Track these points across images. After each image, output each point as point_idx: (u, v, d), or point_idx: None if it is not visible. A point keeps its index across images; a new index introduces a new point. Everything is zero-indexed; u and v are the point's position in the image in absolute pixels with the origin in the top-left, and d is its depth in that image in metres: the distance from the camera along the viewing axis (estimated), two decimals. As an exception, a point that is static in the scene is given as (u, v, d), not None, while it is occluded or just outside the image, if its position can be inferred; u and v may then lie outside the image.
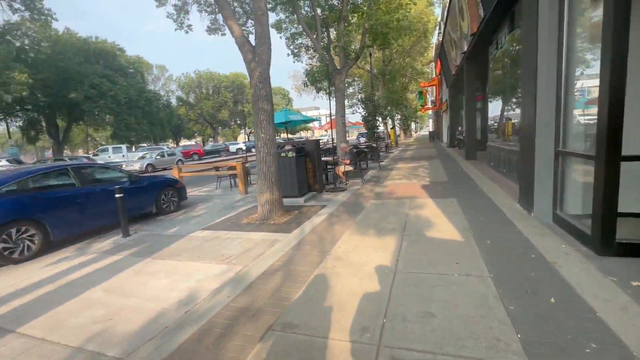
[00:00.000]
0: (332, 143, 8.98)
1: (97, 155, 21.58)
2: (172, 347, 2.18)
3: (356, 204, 6.20)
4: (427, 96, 31.62)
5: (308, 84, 12.00)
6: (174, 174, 9.31)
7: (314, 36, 10.22)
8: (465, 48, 9.87)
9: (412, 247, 3.62)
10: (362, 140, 26.80)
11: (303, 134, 64.85)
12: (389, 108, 24.72)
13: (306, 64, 12.16)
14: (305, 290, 2.84)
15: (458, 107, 19.12)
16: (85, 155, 21.69)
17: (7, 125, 22.40)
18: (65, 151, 40.26)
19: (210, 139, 52.48)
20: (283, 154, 6.85)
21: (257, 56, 5.56)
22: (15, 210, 4.38)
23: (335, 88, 10.77)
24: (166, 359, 2.07)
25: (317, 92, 12.95)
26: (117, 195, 5.10)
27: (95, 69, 26.75)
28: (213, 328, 2.38)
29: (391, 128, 27.14)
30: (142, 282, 3.37)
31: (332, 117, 10.91)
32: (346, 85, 29.17)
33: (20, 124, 24.68)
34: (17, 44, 24.01)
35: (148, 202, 6.39)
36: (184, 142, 50.11)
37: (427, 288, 2.67)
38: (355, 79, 28.71)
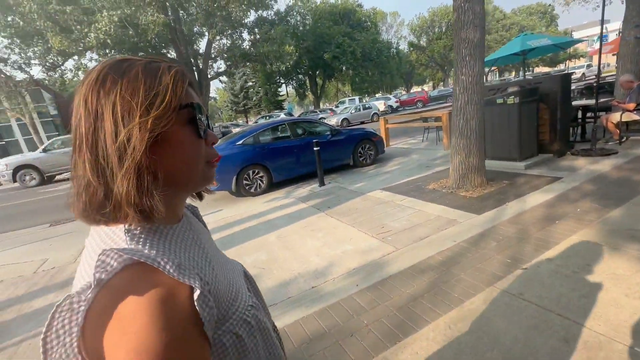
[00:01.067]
0: (599, 78, 5.58)
1: (337, 107, 25.74)
2: (278, 325, 2.08)
3: (625, 182, 3.64)
4: None
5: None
6: (381, 125, 9.36)
7: None
8: None
9: None
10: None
11: (571, 64, 47.09)
12: None
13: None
14: (454, 322, 1.89)
15: None
16: (329, 108, 26.46)
17: (286, 87, 30.88)
18: (326, 104, 51.21)
19: (440, 83, 49.35)
20: (500, 100, 5.00)
21: (464, -39, 3.96)
22: (252, 157, 5.80)
23: (630, -22, 6.41)
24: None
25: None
26: (315, 149, 5.63)
27: (340, 29, 30.70)
28: (315, 321, 2.07)
29: None
30: (303, 237, 3.55)
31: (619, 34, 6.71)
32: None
33: (294, 85, 33.28)
34: (292, 21, 31.44)
35: (345, 154, 6.75)
36: (414, 89, 50.09)
37: None
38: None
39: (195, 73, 23.12)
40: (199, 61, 24.44)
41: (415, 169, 6.06)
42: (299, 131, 6.48)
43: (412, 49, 46.24)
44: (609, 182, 3.73)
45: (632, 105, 5.03)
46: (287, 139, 6.22)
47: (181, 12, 21.14)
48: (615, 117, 5.25)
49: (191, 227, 0.53)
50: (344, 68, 32.32)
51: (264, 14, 25.82)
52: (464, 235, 2.98)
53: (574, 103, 5.68)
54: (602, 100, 5.75)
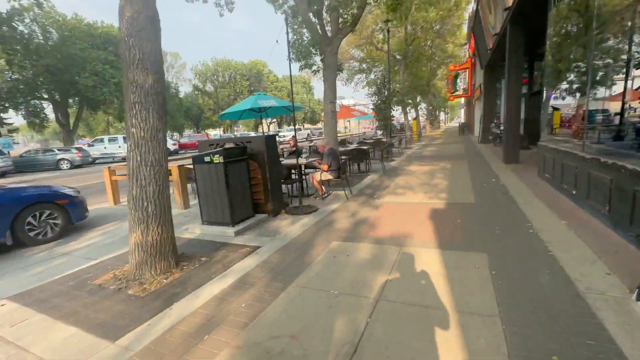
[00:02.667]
0: (296, 143, 6.35)
1: (92, 145, 20.29)
2: None
3: (308, 247, 3.61)
4: (459, 82, 27.55)
5: (294, 59, 9.34)
6: (105, 177, 7.17)
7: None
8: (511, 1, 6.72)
9: None
10: (380, 133, 23.69)
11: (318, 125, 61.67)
12: (411, 96, 21.41)
13: (294, 33, 9.42)
14: None
15: (494, 93, 15.64)
16: (78, 147, 20.12)
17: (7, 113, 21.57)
18: (86, 139, 40.56)
19: (229, 127, 51.18)
20: (207, 159, 4.38)
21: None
22: None
23: (324, 64, 8.05)
24: None
25: (301, 69, 10.15)
26: None
27: (99, 55, 25.60)
28: None
29: (413, 119, 23.77)
30: None
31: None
32: (367, 70, 25.96)
33: (24, 111, 24.03)
34: (26, 31, 23.26)
35: (-5, 229, 4.19)
36: (211, 132, 49.66)
37: None
38: (376, 64, 25.49)
39: None
40: None
41: (116, 242, 4.44)
42: None
43: (197, 92, 45.99)
44: (292, 251, 3.60)
45: (325, 167, 5.78)
46: None
47: None
48: (317, 176, 5.90)
49: None
50: (115, 100, 26.86)
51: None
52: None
53: (285, 162, 6.07)
54: (311, 159, 6.48)
